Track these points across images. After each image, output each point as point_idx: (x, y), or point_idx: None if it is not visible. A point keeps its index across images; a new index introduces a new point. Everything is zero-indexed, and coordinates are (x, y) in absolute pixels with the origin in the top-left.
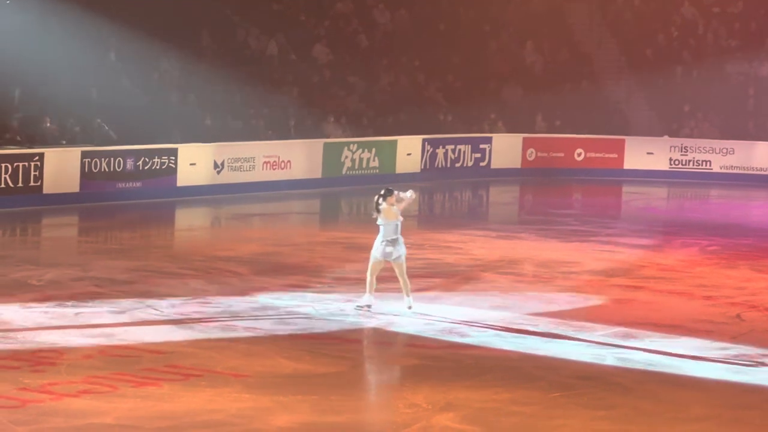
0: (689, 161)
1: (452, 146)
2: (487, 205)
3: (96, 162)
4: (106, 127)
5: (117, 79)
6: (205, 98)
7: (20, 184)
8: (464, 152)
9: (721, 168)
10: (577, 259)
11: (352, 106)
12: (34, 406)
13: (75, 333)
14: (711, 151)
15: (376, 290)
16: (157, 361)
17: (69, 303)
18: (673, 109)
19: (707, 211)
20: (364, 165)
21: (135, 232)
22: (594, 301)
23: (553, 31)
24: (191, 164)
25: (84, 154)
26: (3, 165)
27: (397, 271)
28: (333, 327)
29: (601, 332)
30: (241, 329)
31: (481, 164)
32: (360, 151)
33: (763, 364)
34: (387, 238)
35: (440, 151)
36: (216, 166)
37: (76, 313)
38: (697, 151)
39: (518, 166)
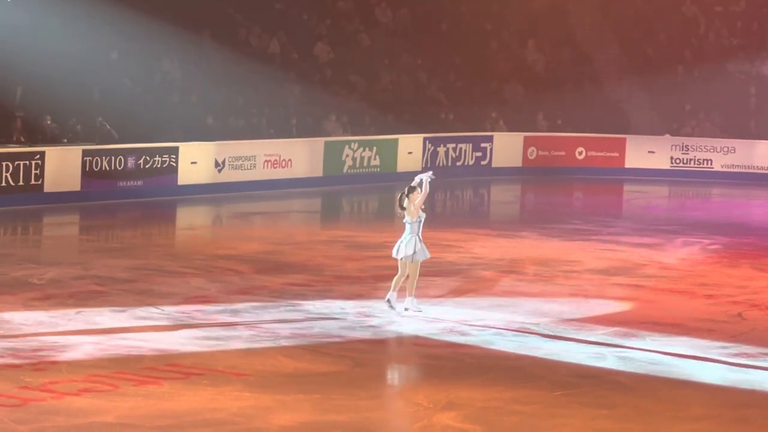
0: (690, 160)
1: (453, 145)
2: (489, 203)
3: (97, 160)
4: (108, 126)
5: (118, 78)
6: (206, 97)
7: (21, 183)
8: (465, 151)
9: (722, 167)
10: (578, 257)
11: (354, 105)
12: (35, 404)
13: (76, 332)
14: (712, 150)
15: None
16: (158, 359)
17: (70, 302)
18: (675, 107)
19: (708, 210)
20: (366, 164)
21: (136, 230)
22: (595, 300)
23: (555, 30)
24: (192, 163)
25: (85, 153)
26: (4, 163)
27: (412, 270)
28: (334, 326)
29: (601, 331)
30: (242, 328)
31: (483, 163)
32: (361, 149)
33: (764, 363)
34: (418, 234)
35: (441, 150)
36: (217, 164)
37: (77, 312)
38: (699, 149)
39: (519, 164)
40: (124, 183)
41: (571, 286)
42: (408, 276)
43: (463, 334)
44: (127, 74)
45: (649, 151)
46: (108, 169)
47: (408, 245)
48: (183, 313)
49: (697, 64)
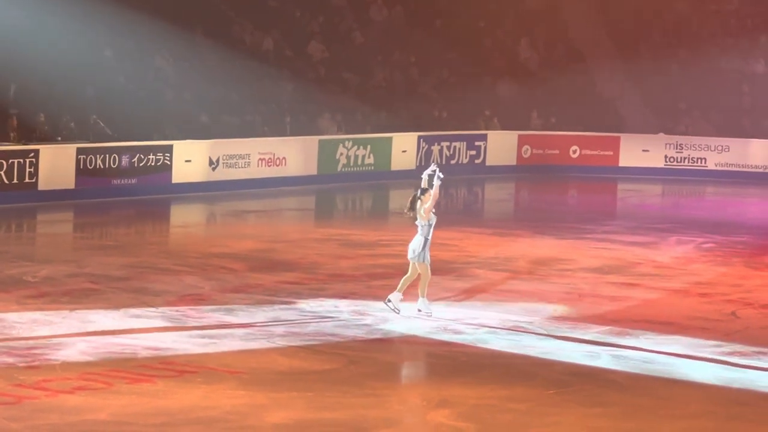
0: (684, 158)
1: (447, 143)
2: (483, 202)
3: (91, 158)
4: (102, 124)
5: (112, 76)
6: (200, 95)
7: (15, 181)
8: (459, 149)
9: (716, 165)
10: (572, 256)
11: (347, 103)
12: (29, 402)
13: (70, 329)
14: (706, 149)
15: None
16: (151, 357)
17: (64, 299)
18: (669, 106)
19: (702, 209)
20: (360, 162)
21: (130, 228)
22: (589, 298)
23: (548, 27)
24: (186, 161)
25: (79, 151)
26: None
27: (423, 271)
28: (328, 324)
29: (596, 329)
30: (236, 326)
31: (477, 161)
32: (355, 147)
33: (757, 361)
34: (426, 237)
35: (435, 148)
36: (211, 162)
37: (71, 310)
38: (693, 148)
39: (513, 163)
40: (119, 181)
41: (565, 285)
42: (420, 277)
43: (456, 332)
44: (121, 72)
45: (643, 150)
46: (102, 167)
47: (415, 246)
48: (177, 311)
49: (691, 63)
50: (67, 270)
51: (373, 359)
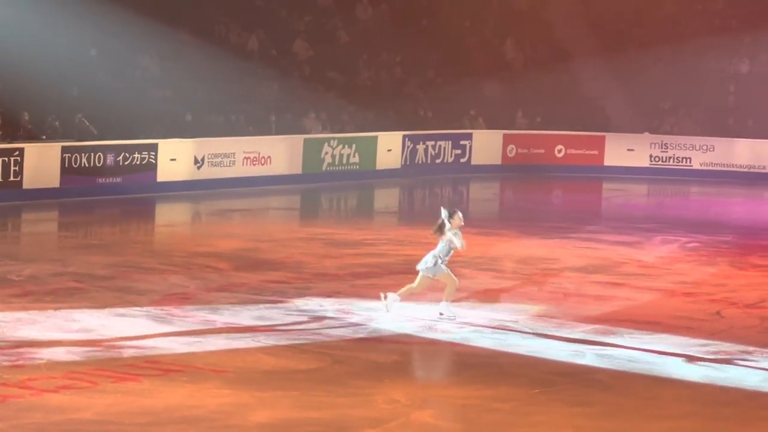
0: (669, 158)
1: (432, 142)
2: (468, 201)
3: (76, 157)
4: (87, 123)
5: (98, 75)
6: (185, 94)
7: (0, 179)
8: (444, 148)
9: (701, 165)
10: (557, 255)
11: (333, 102)
12: (14, 401)
13: (54, 328)
14: (691, 148)
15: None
16: (136, 356)
17: (48, 298)
18: (654, 105)
19: (687, 208)
20: (345, 161)
21: (115, 227)
22: (574, 297)
23: (534, 27)
24: (171, 160)
25: (64, 150)
26: None
27: (446, 280)
28: (313, 323)
29: (580, 329)
30: (221, 324)
31: (462, 160)
32: (340, 147)
33: (742, 361)
34: (440, 255)
35: (420, 147)
36: (196, 161)
37: (56, 309)
38: (678, 147)
39: (499, 162)
40: (103, 180)
41: (550, 284)
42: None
43: (441, 331)
44: (107, 71)
45: (628, 149)
46: (87, 165)
47: (428, 258)
48: (162, 310)
49: (675, 62)
50: (52, 269)
51: (358, 358)
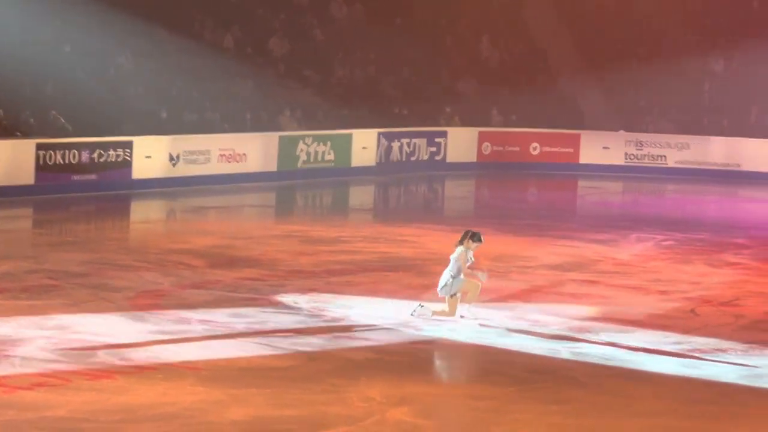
0: (645, 156)
1: (407, 140)
2: (443, 199)
3: (51, 154)
4: (62, 120)
5: (72, 72)
6: (160, 91)
7: None
8: (419, 146)
9: (676, 163)
10: (532, 253)
11: (308, 100)
12: None
13: (29, 325)
14: (666, 146)
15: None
16: (111, 353)
17: (23, 295)
18: (629, 103)
19: (662, 206)
20: (320, 158)
21: (90, 224)
22: (549, 295)
23: (509, 25)
24: (146, 157)
25: (39, 147)
26: None
27: (468, 287)
28: (288, 320)
29: (555, 326)
30: (196, 322)
31: (437, 158)
32: (315, 144)
33: (716, 358)
34: (452, 275)
35: (395, 145)
36: (171, 158)
37: (30, 306)
38: (653, 146)
39: (474, 160)
40: (78, 177)
41: (526, 282)
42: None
43: (416, 328)
44: (81, 68)
45: (603, 147)
46: (62, 162)
47: (444, 279)
48: (137, 306)
49: (651, 61)
50: (26, 266)
51: (333, 355)
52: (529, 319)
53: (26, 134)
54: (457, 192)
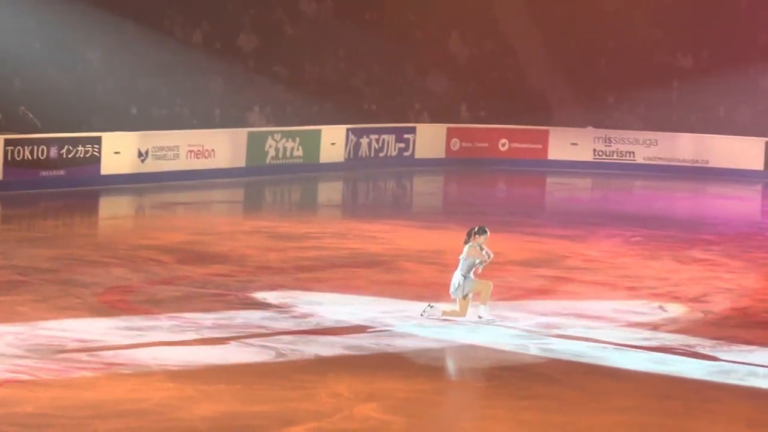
0: (613, 152)
1: (376, 136)
2: (411, 195)
3: (19, 150)
4: (30, 115)
5: (41, 67)
6: (129, 87)
7: None
8: (388, 142)
9: (644, 159)
10: (501, 249)
11: (277, 95)
12: None
13: None
14: (635, 142)
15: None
16: (80, 349)
17: None
18: (598, 100)
19: (631, 202)
20: (288, 154)
21: (58, 220)
22: (518, 291)
23: (479, 21)
24: (115, 153)
25: (7, 142)
26: None
27: (480, 287)
28: (256, 316)
29: (524, 322)
30: (165, 318)
31: (405, 154)
32: (284, 140)
33: (685, 354)
34: (464, 274)
35: (364, 141)
36: (140, 154)
37: None
38: (621, 142)
39: (442, 156)
40: (47, 173)
41: (494, 278)
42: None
43: (385, 325)
44: (50, 63)
45: (572, 143)
46: (30, 158)
47: (455, 281)
48: (105, 303)
49: (620, 57)
50: None
51: (301, 352)
52: (498, 315)
53: None
54: (425, 188)
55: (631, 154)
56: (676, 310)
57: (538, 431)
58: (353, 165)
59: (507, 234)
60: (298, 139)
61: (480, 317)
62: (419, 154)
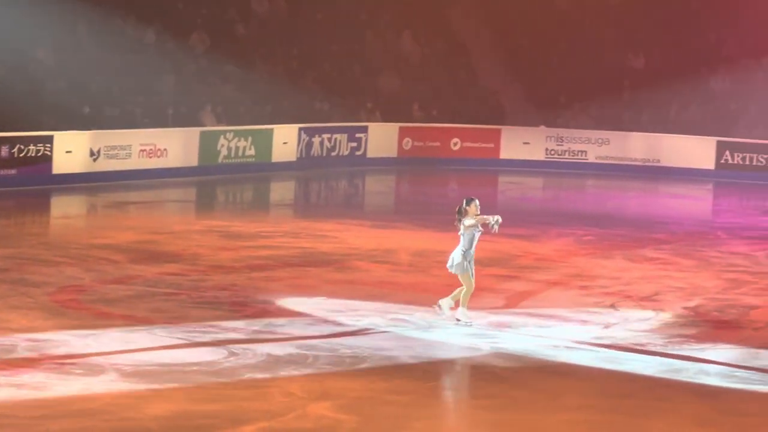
0: (565, 151)
1: (328, 135)
2: (363, 194)
3: None
4: None
5: None
6: (81, 86)
7: None
8: (340, 141)
9: (596, 158)
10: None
11: (229, 95)
12: None
13: None
14: (587, 142)
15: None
16: (31, 349)
17: None
18: (550, 99)
19: (583, 202)
20: (240, 153)
21: (9, 219)
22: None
23: (431, 20)
24: (67, 152)
25: None
26: None
27: (464, 281)
28: (209, 315)
29: (476, 322)
30: (117, 317)
31: (357, 153)
32: (236, 139)
33: (637, 352)
34: (463, 249)
35: (316, 140)
36: (92, 153)
37: None
38: (573, 141)
39: (394, 155)
40: None
41: (446, 277)
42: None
43: (337, 324)
44: (1, 63)
45: (524, 143)
46: None
47: (455, 255)
48: (57, 302)
49: (571, 57)
50: None
51: (253, 351)
52: (449, 314)
53: None
54: (377, 187)
55: (583, 153)
56: (627, 308)
57: (490, 430)
58: (305, 164)
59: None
60: (250, 139)
61: (458, 320)
62: (371, 154)
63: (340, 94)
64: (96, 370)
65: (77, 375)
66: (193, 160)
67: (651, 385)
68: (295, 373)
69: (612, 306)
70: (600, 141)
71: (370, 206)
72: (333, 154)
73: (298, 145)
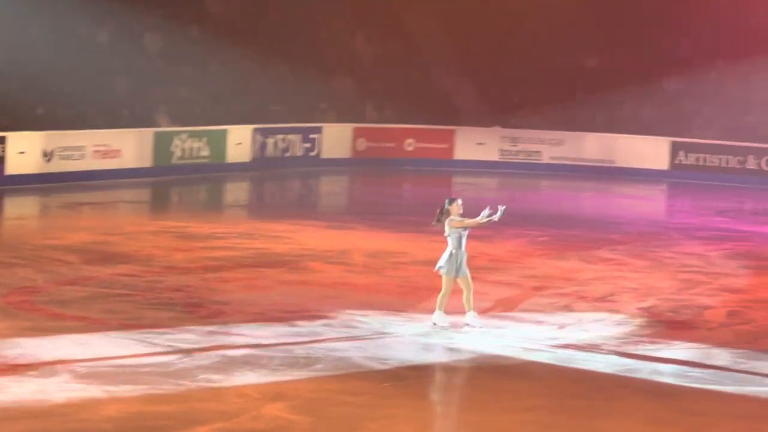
0: (519, 152)
1: (282, 136)
2: (317, 195)
3: None
4: None
5: None
6: (34, 86)
7: None
8: (294, 142)
9: (550, 159)
10: (407, 249)
11: (183, 96)
12: None
13: None
14: (541, 142)
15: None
16: None
17: None
18: (503, 99)
19: (537, 202)
20: (195, 154)
21: None
22: (423, 291)
23: (385, 21)
24: (20, 153)
25: None
26: None
27: (463, 284)
28: (163, 316)
29: (430, 322)
30: (71, 318)
31: (311, 154)
32: (190, 140)
33: (591, 352)
34: (452, 250)
35: (270, 141)
36: (45, 154)
37: None
38: (527, 141)
39: (348, 155)
40: None
41: (400, 278)
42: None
43: (291, 325)
44: None
45: (478, 143)
46: None
47: (441, 258)
48: (9, 304)
49: (525, 57)
50: None
51: (208, 352)
52: (403, 314)
53: None
54: (331, 188)
55: (538, 153)
56: (582, 309)
57: (444, 430)
58: (259, 165)
59: (412, 234)
60: (204, 139)
61: (434, 324)
62: (325, 154)
63: (294, 94)
64: (49, 372)
65: (31, 377)
66: (147, 161)
67: (605, 385)
68: (250, 374)
69: (566, 307)
70: (554, 141)
71: (325, 207)
72: (287, 154)
73: (253, 145)
